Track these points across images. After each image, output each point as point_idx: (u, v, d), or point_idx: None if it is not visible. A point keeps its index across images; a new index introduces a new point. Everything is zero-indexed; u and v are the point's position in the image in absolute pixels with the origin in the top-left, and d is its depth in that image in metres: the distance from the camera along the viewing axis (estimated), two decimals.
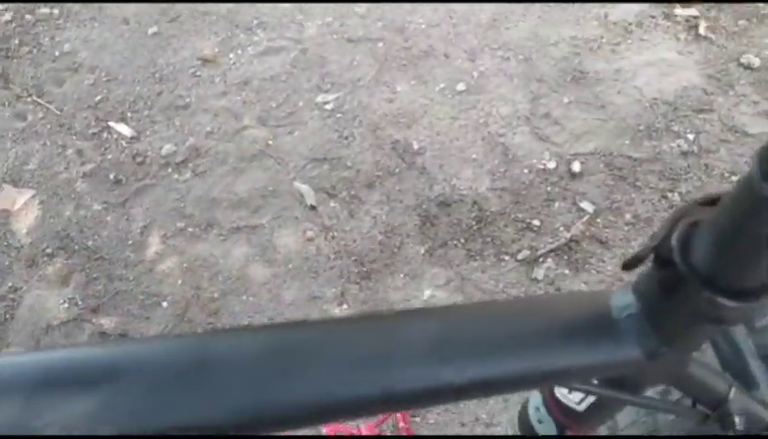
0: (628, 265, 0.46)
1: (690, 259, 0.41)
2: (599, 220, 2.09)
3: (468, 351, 0.41)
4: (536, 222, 2.09)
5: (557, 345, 0.43)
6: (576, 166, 2.18)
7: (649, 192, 2.15)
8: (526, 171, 2.19)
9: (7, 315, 1.98)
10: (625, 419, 0.75)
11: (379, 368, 0.39)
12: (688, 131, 2.28)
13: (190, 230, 2.11)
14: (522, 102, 2.33)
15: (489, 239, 2.07)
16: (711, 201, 0.43)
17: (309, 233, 2.10)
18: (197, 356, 0.36)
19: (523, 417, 0.63)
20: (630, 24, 2.57)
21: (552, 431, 0.61)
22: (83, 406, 0.33)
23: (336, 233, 2.10)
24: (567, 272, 1.99)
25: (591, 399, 0.55)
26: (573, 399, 0.56)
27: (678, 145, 2.24)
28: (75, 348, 0.40)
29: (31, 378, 0.34)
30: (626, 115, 2.32)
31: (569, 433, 0.59)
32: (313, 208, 2.14)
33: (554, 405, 0.59)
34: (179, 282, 2.02)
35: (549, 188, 2.15)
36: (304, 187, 2.18)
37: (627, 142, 2.25)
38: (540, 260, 2.02)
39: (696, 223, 0.44)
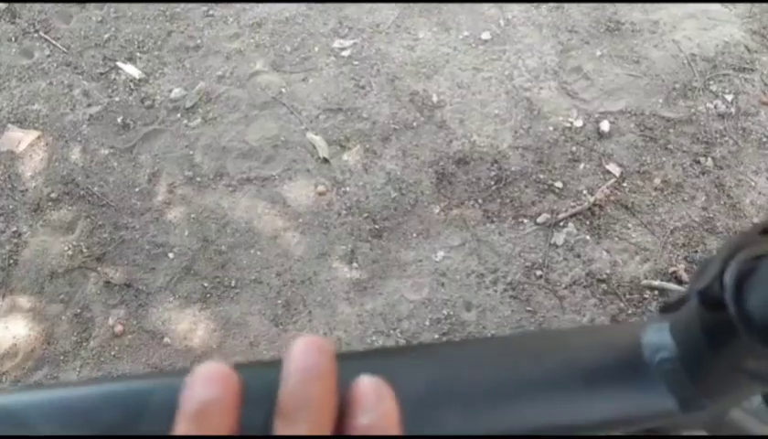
0: (669, 308, 0.38)
1: (746, 303, 0.33)
2: (625, 184, 1.98)
3: (468, 397, 0.34)
4: (558, 184, 1.99)
5: (573, 391, 0.36)
6: (605, 126, 2.06)
7: (681, 156, 2.03)
8: (551, 129, 2.07)
9: (11, 261, 1.94)
10: None
11: None
12: (727, 91, 2.14)
13: (199, 179, 2.04)
14: (550, 54, 2.20)
15: (508, 200, 1.98)
16: None
17: (321, 187, 2.02)
18: (127, 407, 0.30)
19: None
20: None
21: None
22: None
23: (348, 188, 2.02)
24: (588, 238, 1.90)
25: None
26: None
27: (715, 106, 2.11)
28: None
29: None
30: (661, 72, 2.18)
31: None
32: (325, 160, 2.05)
33: None
34: (186, 233, 1.97)
35: (574, 148, 2.04)
36: (317, 139, 2.09)
37: (661, 101, 2.12)
38: (561, 224, 1.93)
39: (756, 258, 0.35)
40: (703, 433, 0.52)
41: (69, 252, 1.95)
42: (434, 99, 2.14)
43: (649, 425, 0.41)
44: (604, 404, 0.37)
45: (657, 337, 0.39)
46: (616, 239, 1.90)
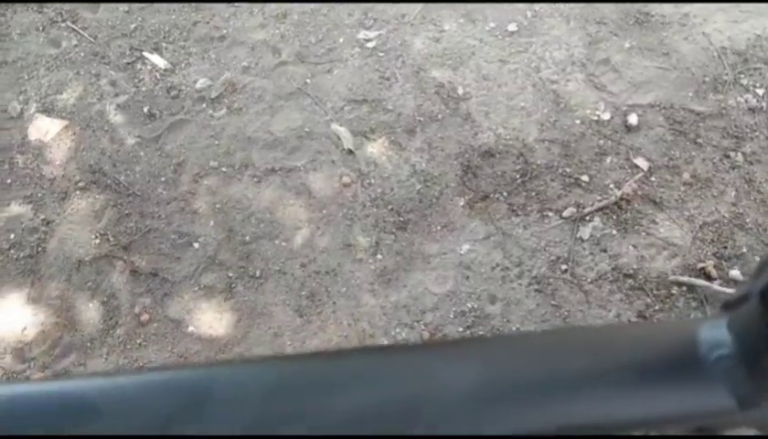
0: (729, 307, 0.37)
1: None
2: (653, 179, 1.96)
3: (520, 395, 0.34)
4: (584, 178, 1.97)
5: (629, 387, 0.35)
6: (633, 119, 2.03)
7: (711, 150, 2.00)
8: (577, 122, 2.05)
9: (39, 248, 1.96)
10: None
11: (409, 411, 0.32)
12: (758, 85, 2.10)
13: (224, 169, 2.05)
14: (578, 46, 2.17)
15: (534, 193, 1.96)
16: None
17: (345, 179, 2.02)
18: (192, 392, 0.30)
19: None
20: None
21: None
22: None
23: (373, 180, 2.02)
24: (615, 232, 1.88)
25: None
26: None
27: (746, 100, 2.07)
28: (43, 383, 0.32)
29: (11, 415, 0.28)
30: (692, 65, 2.14)
31: None
32: (350, 152, 2.05)
33: None
34: (211, 222, 1.98)
35: (601, 142, 2.02)
36: (342, 130, 2.08)
37: (690, 94, 2.09)
38: (587, 218, 1.91)
39: None
40: (755, 432, 0.51)
41: (97, 241, 1.97)
42: (460, 91, 2.12)
43: (703, 423, 0.41)
44: (659, 401, 0.36)
45: (714, 334, 0.38)
46: (643, 234, 1.88)
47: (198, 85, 2.19)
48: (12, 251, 1.96)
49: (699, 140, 2.01)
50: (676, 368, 0.37)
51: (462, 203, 1.97)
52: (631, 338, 0.40)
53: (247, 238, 1.95)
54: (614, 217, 1.90)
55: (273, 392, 0.31)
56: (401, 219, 1.96)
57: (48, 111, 2.16)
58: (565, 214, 1.92)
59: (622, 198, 1.91)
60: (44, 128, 2.13)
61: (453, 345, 0.37)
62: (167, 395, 0.30)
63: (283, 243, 1.94)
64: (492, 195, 1.98)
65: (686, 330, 0.39)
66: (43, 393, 0.30)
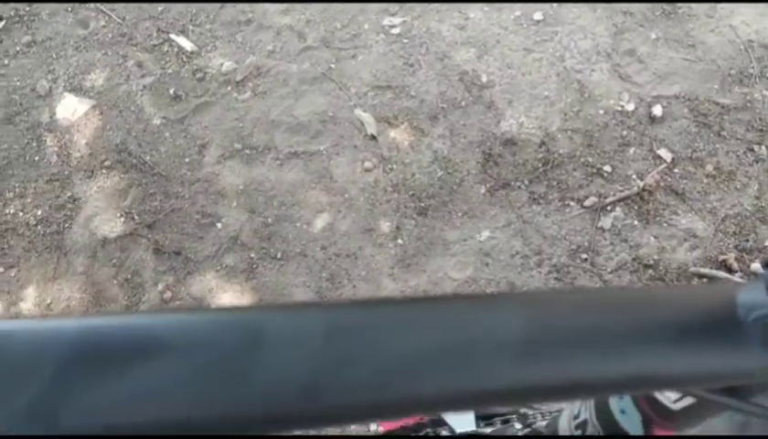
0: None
1: None
2: (676, 170, 1.95)
3: (563, 346, 0.34)
4: (607, 168, 1.97)
5: (667, 345, 0.36)
6: (657, 110, 2.03)
7: (735, 143, 1.99)
8: (601, 112, 2.05)
9: (65, 225, 2.00)
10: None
11: (454, 361, 0.33)
12: None
13: (247, 151, 2.07)
14: (604, 36, 2.16)
15: (555, 182, 1.97)
16: None
17: (367, 164, 2.03)
18: (250, 333, 0.31)
19: (603, 404, 0.56)
20: None
21: (636, 423, 0.54)
22: (118, 386, 0.28)
23: (394, 165, 2.03)
24: (636, 223, 1.88)
25: (690, 400, 0.48)
26: (670, 396, 0.49)
27: None
28: (110, 317, 0.34)
29: (62, 348, 0.28)
30: (717, 57, 2.13)
31: (655, 430, 0.53)
32: (373, 137, 2.06)
33: (643, 398, 0.52)
34: (234, 204, 2.00)
35: (624, 132, 2.01)
36: (365, 115, 2.10)
37: (716, 86, 2.08)
38: (609, 208, 1.91)
39: None
40: None
41: (121, 219, 2.00)
42: (483, 79, 2.12)
43: (738, 382, 0.41)
44: (697, 360, 0.37)
45: (753, 296, 0.38)
46: (665, 225, 1.88)
47: (224, 68, 2.20)
48: (39, 227, 2.00)
49: (723, 132, 2.00)
50: (714, 328, 0.38)
51: (483, 190, 1.98)
52: (672, 298, 0.40)
53: (269, 220, 1.97)
54: (636, 207, 1.90)
55: (332, 333, 0.32)
56: (422, 204, 1.97)
57: (75, 90, 2.19)
58: (586, 203, 1.92)
59: (644, 189, 1.91)
60: (72, 107, 2.16)
61: (502, 297, 0.38)
62: (229, 332, 0.31)
63: (305, 226, 1.96)
64: (513, 183, 1.98)
65: (725, 292, 0.40)
66: (112, 327, 0.31)
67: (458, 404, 0.34)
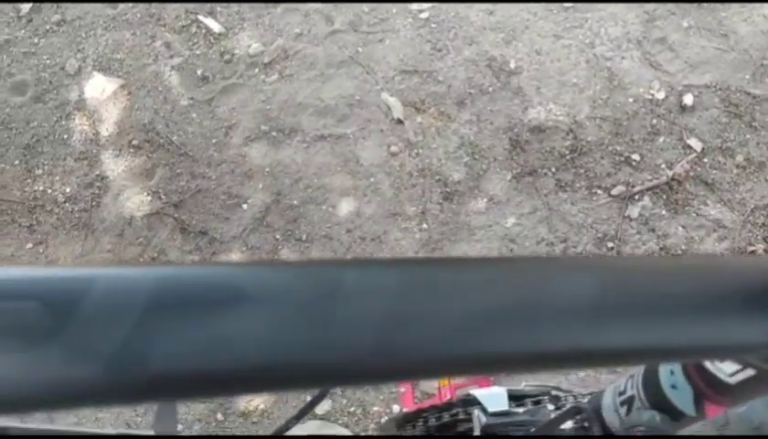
0: None
1: None
2: (706, 160, 1.93)
3: (627, 311, 0.34)
4: (635, 157, 1.95)
5: (724, 314, 0.36)
6: (688, 99, 2.00)
7: (765, 134, 1.96)
8: (631, 100, 2.03)
9: (93, 203, 2.02)
10: None
11: (525, 320, 0.33)
12: None
13: (274, 134, 2.07)
14: (635, 23, 2.14)
15: (582, 170, 1.95)
16: None
17: (393, 148, 2.03)
18: (328, 285, 0.31)
19: (652, 379, 0.56)
20: None
21: (687, 399, 0.54)
22: (203, 333, 0.28)
23: (421, 150, 2.02)
24: (664, 212, 1.87)
25: (749, 372, 0.47)
26: (726, 369, 0.49)
27: None
28: (186, 267, 0.34)
29: (149, 295, 0.29)
30: (750, 47, 2.10)
31: (707, 405, 0.52)
32: (399, 121, 2.06)
33: (697, 372, 0.52)
34: (260, 185, 2.01)
35: (654, 121, 1.99)
36: (392, 100, 2.09)
37: (747, 76, 2.05)
38: (636, 197, 1.90)
39: None
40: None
41: (148, 198, 2.01)
42: (512, 65, 2.11)
43: None
44: (746, 329, 0.36)
45: None
46: (693, 215, 1.86)
47: (251, 50, 2.21)
48: (67, 205, 2.02)
49: (755, 123, 1.97)
50: (754, 298, 0.37)
51: (509, 177, 1.97)
52: (718, 269, 0.40)
53: (295, 202, 1.98)
54: (665, 197, 1.89)
55: (407, 289, 0.32)
56: (448, 189, 1.96)
57: (104, 70, 2.21)
58: (614, 192, 1.91)
59: (673, 179, 1.89)
60: (100, 86, 2.18)
61: (570, 260, 0.38)
62: (307, 283, 0.31)
63: (330, 209, 1.97)
64: (540, 170, 1.97)
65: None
66: (194, 276, 0.31)
67: (529, 365, 0.34)
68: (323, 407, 1.73)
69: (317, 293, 0.30)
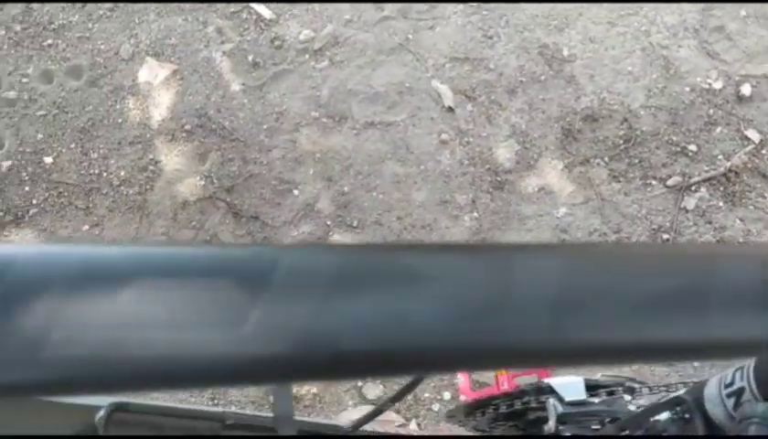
0: None
1: None
2: (764, 152, 1.89)
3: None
4: (692, 147, 1.92)
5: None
6: (746, 90, 1.96)
7: None
8: (687, 90, 1.99)
9: (147, 186, 2.05)
10: None
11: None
12: None
13: (324, 120, 2.08)
14: (692, 11, 2.10)
15: (637, 160, 1.93)
16: None
17: (444, 136, 2.02)
18: (500, 269, 0.31)
19: (766, 370, 0.56)
20: None
21: None
22: (380, 310, 0.29)
23: (471, 138, 2.01)
24: (721, 204, 1.84)
25: None
26: None
27: None
28: (367, 246, 0.34)
29: (334, 272, 0.29)
30: None
31: None
32: (450, 109, 2.05)
33: None
34: (311, 171, 2.02)
35: (711, 111, 1.96)
36: (443, 87, 2.08)
37: None
38: (693, 188, 1.87)
39: None
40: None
41: (201, 183, 2.04)
42: (565, 52, 2.09)
43: None
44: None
45: None
46: (752, 207, 1.83)
47: (302, 36, 2.21)
48: (122, 188, 2.05)
49: None
50: None
51: (561, 166, 1.96)
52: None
53: (345, 188, 1.99)
54: (722, 188, 1.86)
55: (569, 273, 0.31)
56: (499, 178, 1.96)
57: (157, 55, 2.23)
58: (669, 183, 1.88)
59: (730, 170, 1.86)
60: (153, 71, 2.20)
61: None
62: (476, 265, 0.31)
63: (381, 196, 1.97)
64: (592, 160, 1.95)
65: None
66: (371, 253, 0.31)
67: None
68: (374, 392, 1.74)
69: (493, 276, 0.31)
